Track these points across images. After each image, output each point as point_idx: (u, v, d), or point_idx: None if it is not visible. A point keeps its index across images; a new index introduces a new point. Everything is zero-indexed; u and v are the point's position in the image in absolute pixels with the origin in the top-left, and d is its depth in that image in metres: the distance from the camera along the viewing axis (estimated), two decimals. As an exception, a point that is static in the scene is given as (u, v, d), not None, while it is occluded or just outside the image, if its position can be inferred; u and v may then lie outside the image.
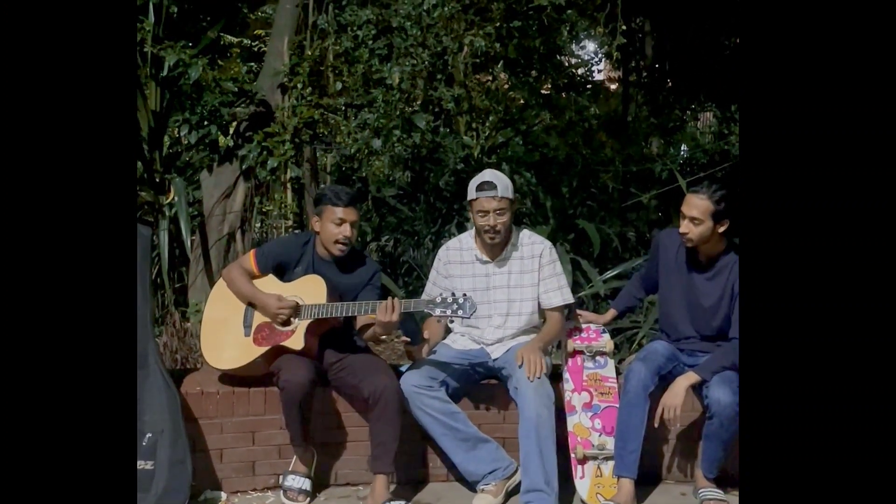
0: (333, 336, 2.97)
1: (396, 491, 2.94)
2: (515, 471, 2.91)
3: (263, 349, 2.87)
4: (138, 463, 2.66)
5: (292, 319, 2.88)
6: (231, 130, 4.67)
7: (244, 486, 2.98)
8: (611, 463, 2.90)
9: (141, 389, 2.71)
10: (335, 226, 2.91)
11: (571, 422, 2.98)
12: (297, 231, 4.84)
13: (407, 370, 2.92)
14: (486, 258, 3.06)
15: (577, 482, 2.92)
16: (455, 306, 2.73)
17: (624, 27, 5.17)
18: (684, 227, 2.85)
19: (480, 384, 3.08)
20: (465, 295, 2.75)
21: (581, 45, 14.27)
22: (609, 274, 4.71)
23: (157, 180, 4.76)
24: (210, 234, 4.59)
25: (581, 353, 3.11)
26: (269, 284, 2.96)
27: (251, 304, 2.95)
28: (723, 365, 2.80)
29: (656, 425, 2.83)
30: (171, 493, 2.69)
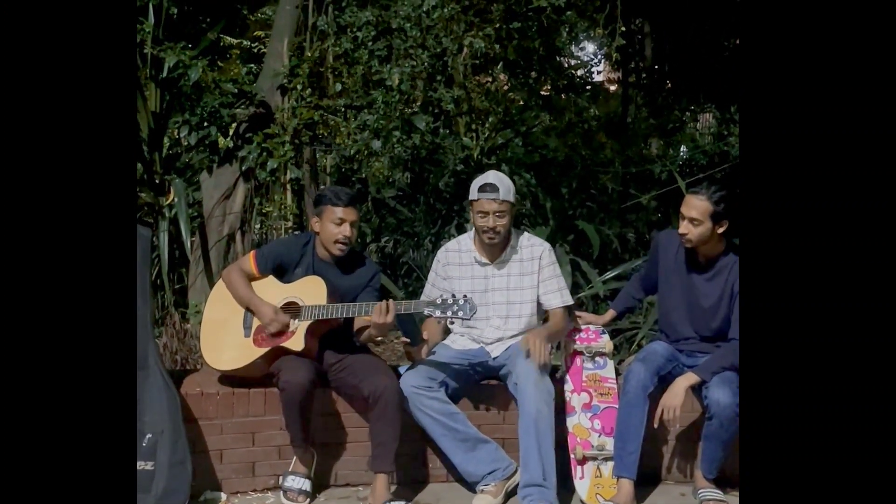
0: (333, 337, 2.97)
1: (396, 491, 2.94)
2: (515, 471, 2.91)
3: (263, 350, 2.87)
4: (138, 464, 2.66)
5: (292, 321, 2.88)
6: (231, 132, 4.68)
7: (244, 487, 2.99)
8: (610, 463, 2.90)
9: (141, 390, 2.71)
10: (335, 225, 2.91)
11: (571, 422, 2.98)
12: (296, 232, 4.85)
13: (406, 371, 2.93)
14: (485, 260, 3.06)
15: (577, 483, 2.92)
16: (455, 307, 2.73)
17: (623, 28, 5.19)
18: (683, 227, 2.85)
19: (480, 385, 3.08)
20: (465, 296, 2.75)
21: (580, 46, 14.28)
22: (608, 275, 4.71)
23: (157, 181, 4.77)
24: (210, 235, 4.59)
25: (580, 353, 3.11)
26: (270, 285, 2.96)
27: (248, 310, 2.96)
28: (722, 365, 2.80)
29: (656, 426, 2.83)
30: (171, 493, 2.69)
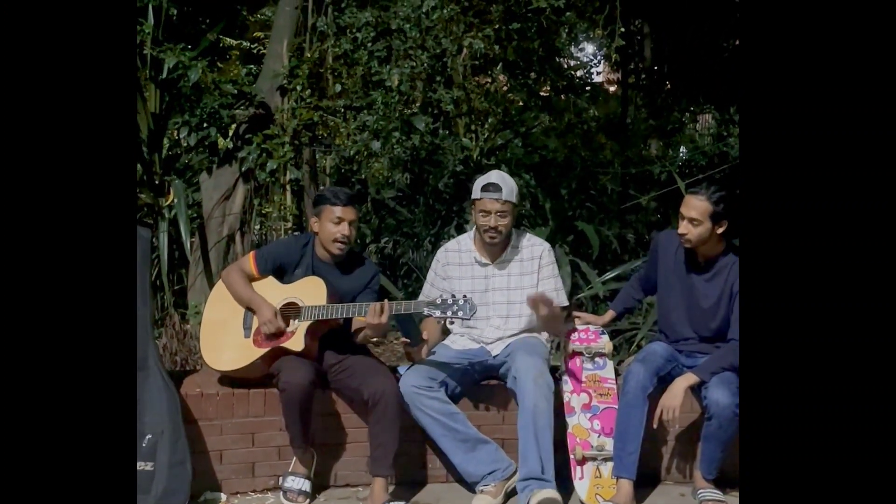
0: (333, 337, 2.97)
1: (396, 492, 2.95)
2: (515, 472, 2.91)
3: (263, 350, 2.87)
4: (138, 464, 2.66)
5: (292, 321, 2.88)
6: (230, 132, 4.68)
7: (244, 488, 2.99)
8: (610, 464, 2.90)
9: (141, 391, 2.71)
10: (334, 225, 2.91)
11: (570, 423, 2.98)
12: (296, 233, 4.85)
13: (406, 371, 2.93)
14: (485, 260, 3.06)
15: (577, 483, 2.92)
16: (455, 307, 2.74)
17: (623, 29, 5.19)
18: (683, 228, 2.85)
19: (480, 385, 3.08)
20: (464, 296, 2.75)
21: (580, 47, 14.28)
22: (608, 275, 4.71)
23: (157, 182, 4.77)
24: (209, 235, 4.59)
25: (580, 354, 3.11)
26: (269, 286, 2.96)
27: (248, 308, 2.96)
28: (721, 366, 2.80)
29: (655, 426, 2.84)
30: (170, 494, 2.70)
